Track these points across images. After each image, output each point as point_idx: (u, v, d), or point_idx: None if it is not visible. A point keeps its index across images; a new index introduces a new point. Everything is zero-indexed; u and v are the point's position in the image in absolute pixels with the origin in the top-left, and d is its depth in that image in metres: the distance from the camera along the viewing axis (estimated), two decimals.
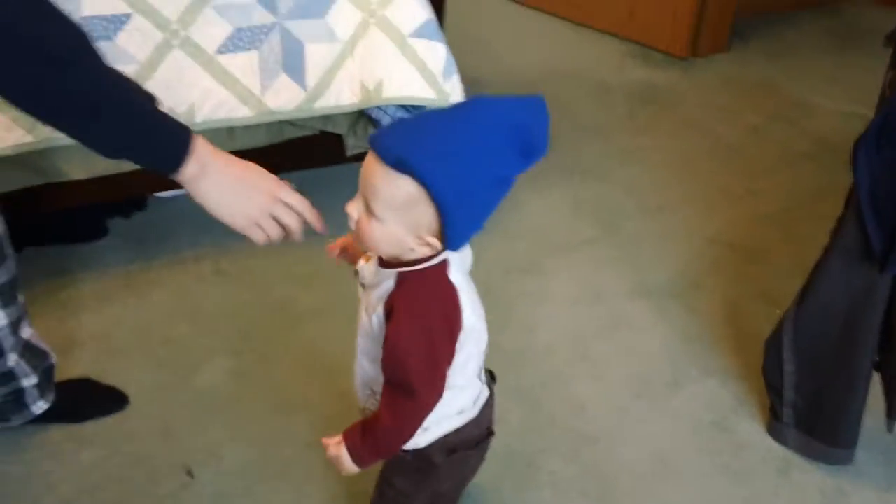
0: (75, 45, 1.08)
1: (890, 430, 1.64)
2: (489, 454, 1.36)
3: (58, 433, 1.80)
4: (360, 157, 2.35)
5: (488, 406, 1.30)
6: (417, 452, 1.25)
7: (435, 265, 1.11)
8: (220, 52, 2.02)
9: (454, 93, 2.18)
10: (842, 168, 2.67)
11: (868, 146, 1.45)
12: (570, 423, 1.84)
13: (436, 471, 1.27)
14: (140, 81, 1.92)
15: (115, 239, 2.42)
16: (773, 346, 1.75)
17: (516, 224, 2.47)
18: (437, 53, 2.13)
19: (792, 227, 2.45)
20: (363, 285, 1.21)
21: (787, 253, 2.33)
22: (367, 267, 1.20)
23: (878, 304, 1.55)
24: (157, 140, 1.14)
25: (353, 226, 1.10)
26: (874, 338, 1.59)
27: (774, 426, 1.81)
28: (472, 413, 1.26)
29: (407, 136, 1.03)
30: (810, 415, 1.74)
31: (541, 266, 2.34)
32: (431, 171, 1.00)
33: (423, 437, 1.23)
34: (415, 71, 2.12)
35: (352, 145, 2.33)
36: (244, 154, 2.21)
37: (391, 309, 1.11)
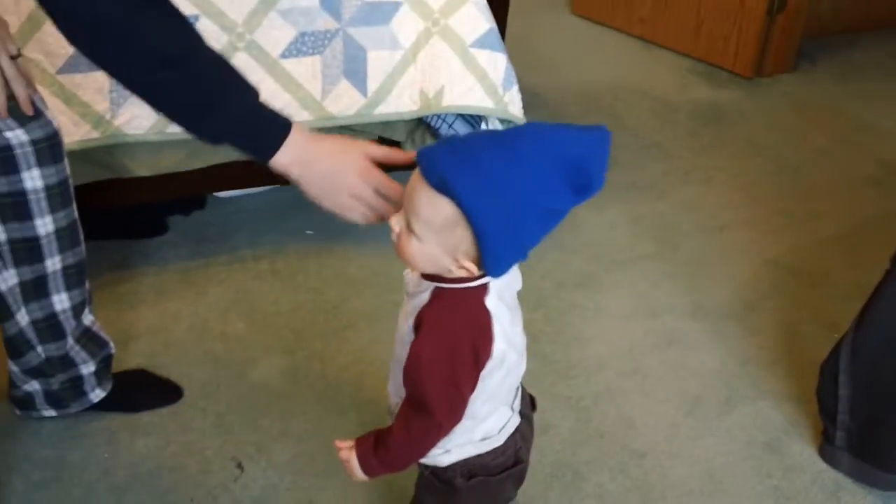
0: (190, 42, 1.13)
1: None
2: (537, 464, 1.34)
3: (114, 422, 1.85)
4: (416, 166, 2.39)
5: (518, 434, 1.25)
6: (437, 473, 1.24)
7: (473, 287, 1.08)
8: (283, 56, 2.06)
9: (513, 104, 2.19)
10: None
11: None
12: (618, 437, 1.83)
13: (457, 493, 1.24)
14: None
15: (174, 236, 2.48)
16: (828, 369, 1.72)
17: (572, 238, 2.46)
18: (497, 64, 2.14)
19: (853, 251, 2.40)
20: (407, 292, 1.19)
21: (848, 278, 2.29)
22: (411, 275, 1.17)
23: None
24: (258, 129, 1.17)
25: (394, 238, 1.08)
26: None
27: (826, 449, 1.78)
28: (497, 441, 1.22)
29: (453, 157, 0.98)
30: (863, 439, 1.70)
31: (596, 280, 2.33)
32: (472, 197, 0.96)
33: (444, 458, 1.21)
34: (475, 80, 2.13)
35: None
36: None
37: (420, 322, 1.09)
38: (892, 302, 1.57)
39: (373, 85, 2.12)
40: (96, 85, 1.95)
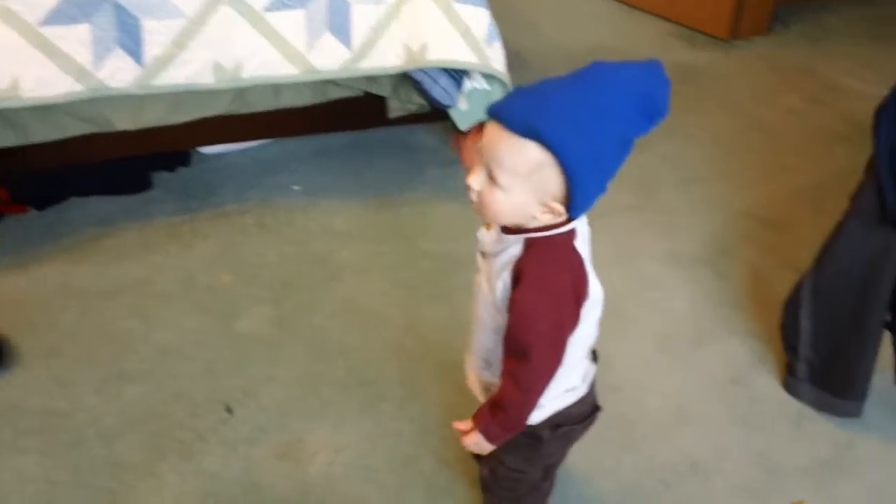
0: None
1: None
2: None
3: (101, 371, 1.89)
4: (405, 119, 2.43)
5: (594, 383, 1.31)
6: (526, 431, 1.27)
7: (563, 233, 1.11)
8: (268, 9, 2.08)
9: (496, 59, 2.22)
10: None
11: (889, 113, 1.49)
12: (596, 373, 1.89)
13: (542, 445, 1.30)
14: (188, 36, 2.02)
15: (159, 192, 2.51)
16: (791, 305, 1.80)
17: None
18: (480, 19, 2.17)
19: (821, 202, 2.47)
20: (483, 253, 1.20)
21: (815, 226, 2.34)
22: (487, 235, 1.19)
23: (892, 264, 1.59)
24: None
25: (474, 198, 1.10)
26: (886, 297, 1.63)
27: (789, 381, 1.86)
28: (583, 390, 1.28)
29: (532, 103, 1.01)
30: (824, 370, 1.78)
31: None
32: (560, 136, 0.99)
33: (537, 414, 1.24)
34: (458, 35, 2.16)
35: (394, 108, 2.38)
36: (289, 113, 2.32)
37: (519, 273, 1.10)
38: (850, 238, 1.64)
39: (357, 39, 2.14)
40: (78, 37, 1.95)
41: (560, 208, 1.06)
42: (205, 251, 2.28)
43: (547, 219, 1.08)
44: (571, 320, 1.13)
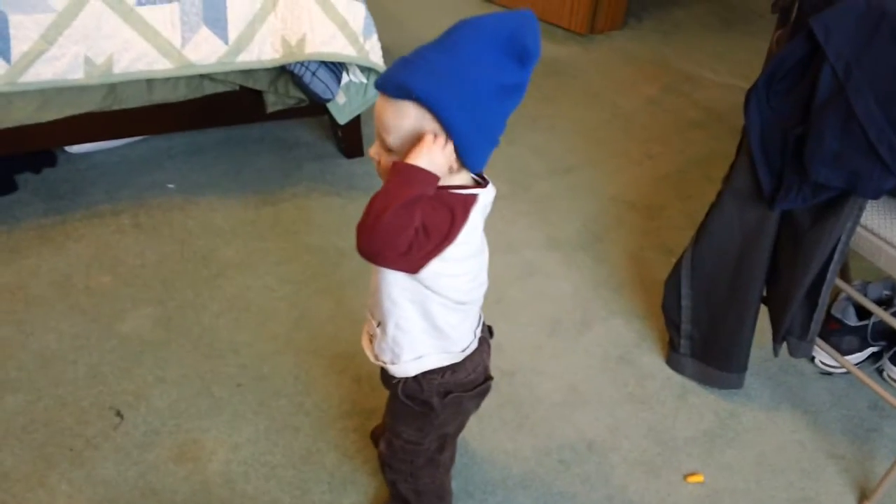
0: None
1: (776, 354, 1.81)
2: None
3: None
4: (280, 115, 2.41)
5: (479, 354, 1.34)
6: (414, 395, 1.31)
7: (463, 194, 1.13)
8: (139, 3, 2.02)
9: (374, 52, 2.24)
10: (726, 134, 2.90)
11: (759, 96, 1.59)
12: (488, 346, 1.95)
13: (434, 414, 1.33)
14: (57, 30, 1.95)
15: (25, 194, 2.40)
16: (671, 284, 1.90)
17: None
18: (357, 12, 2.18)
19: (685, 187, 2.62)
20: None
21: (681, 209, 2.51)
22: None
23: (766, 241, 1.70)
24: None
25: (378, 169, 1.15)
26: (762, 272, 1.74)
27: (672, 357, 1.96)
28: (457, 357, 1.30)
29: (403, 66, 1.07)
30: (705, 345, 1.89)
31: None
32: (428, 88, 1.04)
33: (413, 365, 1.28)
34: (336, 29, 2.16)
35: (272, 102, 2.36)
36: (162, 108, 2.27)
37: None
38: (725, 217, 1.74)
39: (233, 33, 2.11)
40: None
41: (453, 164, 1.10)
42: (79, 253, 2.20)
43: (451, 178, 1.13)
44: (438, 228, 1.10)
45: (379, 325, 1.27)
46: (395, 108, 1.07)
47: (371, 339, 1.33)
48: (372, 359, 1.35)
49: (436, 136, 1.07)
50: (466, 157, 1.11)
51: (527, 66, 1.08)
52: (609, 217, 2.48)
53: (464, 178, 1.17)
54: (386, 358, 1.30)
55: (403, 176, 1.05)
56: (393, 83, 1.07)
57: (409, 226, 1.04)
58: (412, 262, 1.10)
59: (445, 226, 1.10)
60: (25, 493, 1.61)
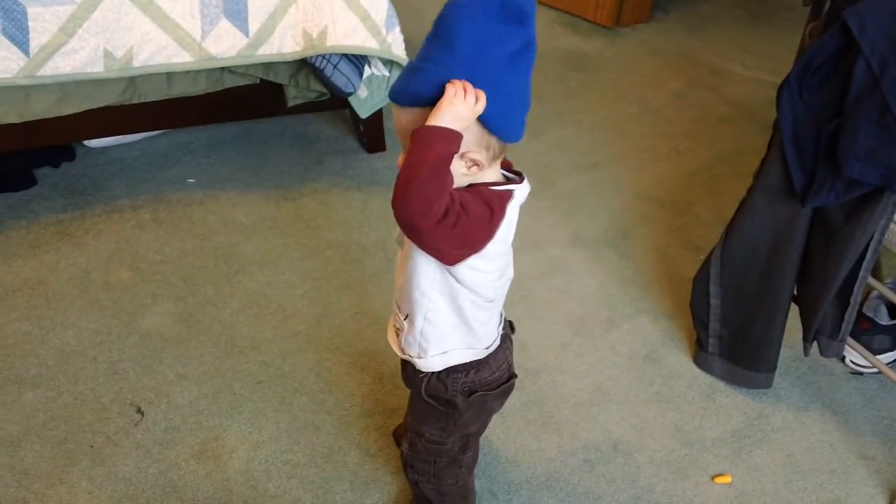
0: None
1: (806, 353, 1.76)
2: None
3: None
4: (301, 109, 2.39)
5: (502, 351, 1.33)
6: (437, 395, 1.30)
7: (499, 190, 1.13)
8: None
9: (396, 44, 2.21)
10: (756, 129, 2.84)
11: (791, 90, 1.55)
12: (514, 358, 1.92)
13: (458, 413, 1.32)
14: (77, 23, 1.93)
15: (44, 189, 2.38)
16: (700, 282, 1.86)
17: None
18: (379, 4, 2.15)
19: (713, 183, 2.58)
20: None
21: (709, 206, 2.46)
22: None
23: (797, 238, 1.66)
24: None
25: None
26: (793, 270, 1.70)
27: (700, 356, 1.92)
28: (481, 354, 1.29)
29: (413, 75, 1.07)
30: (734, 344, 1.85)
31: None
32: (441, 93, 1.03)
33: (439, 360, 1.26)
34: (358, 21, 2.13)
35: (293, 95, 2.33)
36: (182, 102, 2.25)
37: None
38: (755, 214, 1.70)
39: (254, 25, 2.09)
40: None
41: (482, 157, 1.09)
42: (99, 248, 2.18)
43: (475, 172, 1.11)
44: (478, 219, 1.10)
45: (406, 317, 1.25)
46: (411, 115, 1.07)
47: (397, 332, 1.31)
48: (398, 353, 1.32)
49: (458, 88, 1.03)
50: (504, 133, 1.10)
51: (527, 24, 1.06)
52: (635, 213, 2.43)
53: (495, 174, 1.16)
54: (413, 352, 1.28)
55: (423, 140, 1.03)
56: (406, 94, 1.08)
57: (442, 192, 1.03)
58: (453, 239, 1.08)
59: (485, 219, 1.10)
60: (46, 489, 1.60)
